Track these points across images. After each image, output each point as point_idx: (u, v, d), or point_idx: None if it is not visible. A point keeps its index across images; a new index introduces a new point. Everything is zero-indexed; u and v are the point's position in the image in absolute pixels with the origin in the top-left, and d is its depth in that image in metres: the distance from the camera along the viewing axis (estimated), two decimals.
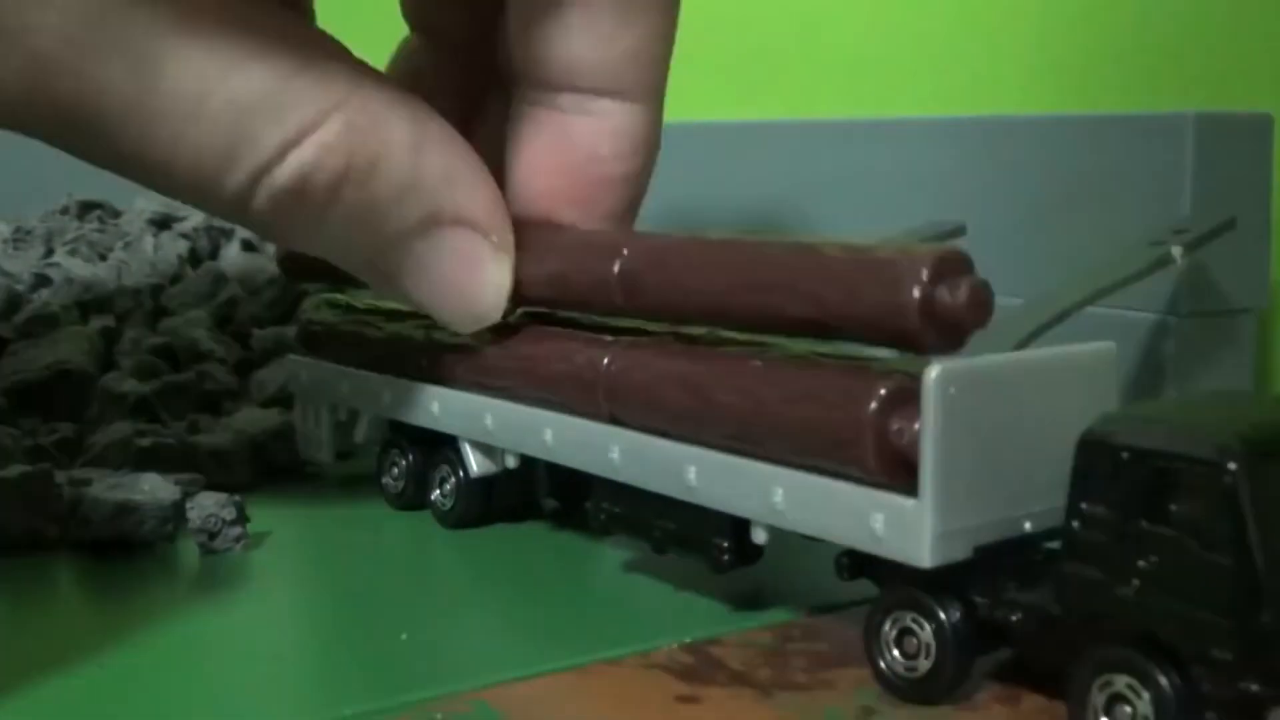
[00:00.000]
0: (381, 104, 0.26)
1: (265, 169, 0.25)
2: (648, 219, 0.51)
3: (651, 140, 0.29)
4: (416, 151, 0.27)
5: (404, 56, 0.34)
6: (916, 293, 0.23)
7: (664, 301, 0.27)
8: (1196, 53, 0.44)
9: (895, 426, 0.23)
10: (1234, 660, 0.20)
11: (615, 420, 0.28)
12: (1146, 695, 0.20)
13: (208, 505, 0.32)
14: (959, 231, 0.39)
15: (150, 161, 0.25)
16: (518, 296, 0.30)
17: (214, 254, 0.50)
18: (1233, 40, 0.43)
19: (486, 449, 0.32)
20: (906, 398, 0.23)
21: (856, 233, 0.41)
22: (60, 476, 0.33)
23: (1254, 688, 0.19)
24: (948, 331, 0.23)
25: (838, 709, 0.24)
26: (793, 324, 0.25)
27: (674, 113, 0.56)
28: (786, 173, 0.46)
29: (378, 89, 0.27)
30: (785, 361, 0.25)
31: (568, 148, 0.29)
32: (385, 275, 0.28)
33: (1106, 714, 0.21)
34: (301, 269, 0.36)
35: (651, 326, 0.29)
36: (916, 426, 0.23)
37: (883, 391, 0.23)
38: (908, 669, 0.24)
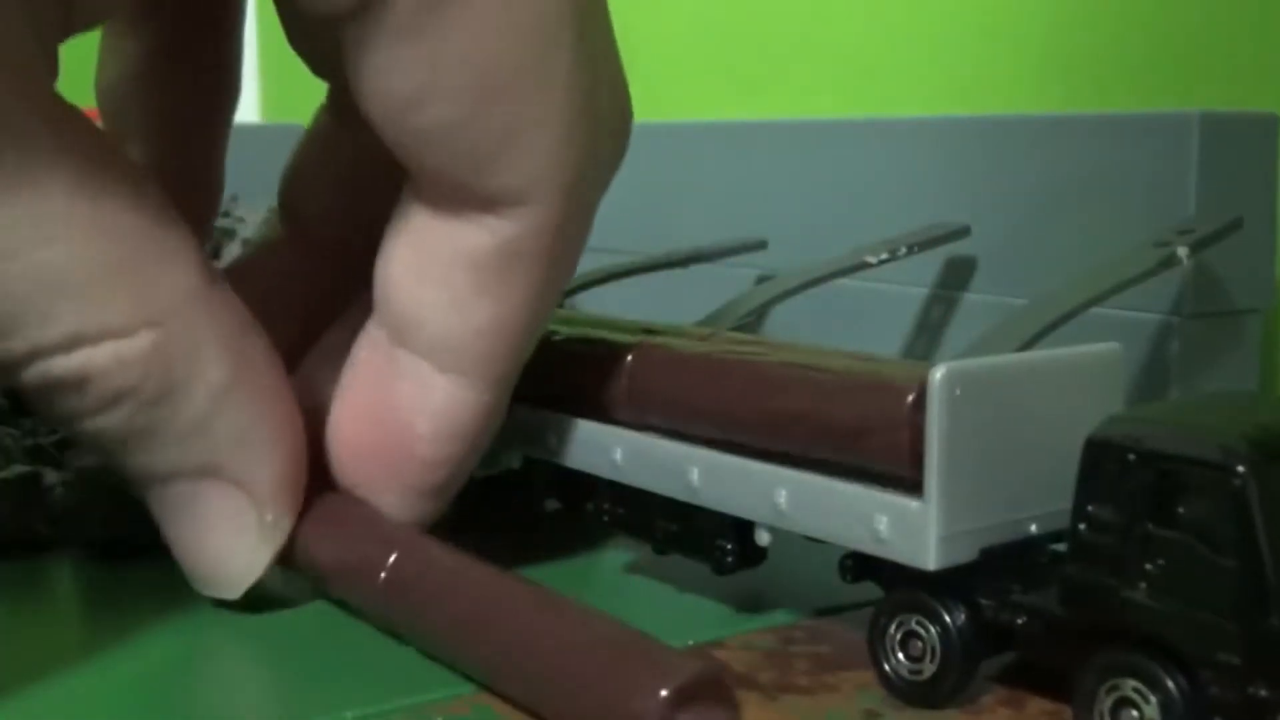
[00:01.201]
0: (210, 333, 0.24)
1: (44, 353, 0.23)
2: (650, 218, 0.51)
3: (479, 430, 0.26)
4: (221, 399, 0.24)
5: (265, 246, 0.31)
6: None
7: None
8: (1202, 52, 0.44)
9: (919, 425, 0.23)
10: (1242, 664, 0.19)
11: (640, 423, 0.28)
12: (1154, 699, 0.20)
13: None
14: (962, 233, 0.39)
15: None
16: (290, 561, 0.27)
17: (216, 254, 0.50)
18: (1238, 39, 0.43)
19: (489, 450, 0.32)
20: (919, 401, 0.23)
21: (861, 235, 0.41)
22: (53, 476, 0.33)
23: (1262, 692, 0.19)
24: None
25: (840, 712, 0.24)
26: None
27: (674, 113, 0.56)
28: (787, 173, 0.46)
29: (216, 313, 0.24)
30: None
31: (385, 406, 0.26)
32: (143, 495, 0.26)
33: (1113, 718, 0.21)
34: None
35: None
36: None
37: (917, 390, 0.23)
38: (912, 672, 0.24)
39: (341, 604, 0.28)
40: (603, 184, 0.26)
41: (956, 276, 0.40)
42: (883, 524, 0.23)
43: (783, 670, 0.25)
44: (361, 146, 0.27)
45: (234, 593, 0.26)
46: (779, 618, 0.28)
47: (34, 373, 0.23)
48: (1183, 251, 0.32)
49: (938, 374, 0.22)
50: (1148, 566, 0.21)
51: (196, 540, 0.26)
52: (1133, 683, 0.20)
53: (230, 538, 0.26)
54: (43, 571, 0.31)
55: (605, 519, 0.30)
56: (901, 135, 0.43)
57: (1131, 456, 0.21)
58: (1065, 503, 0.22)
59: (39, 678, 0.25)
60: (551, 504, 0.35)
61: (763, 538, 0.26)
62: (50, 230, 0.22)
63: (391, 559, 0.25)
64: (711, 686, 0.20)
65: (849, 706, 0.24)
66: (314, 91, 0.31)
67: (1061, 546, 0.23)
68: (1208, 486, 0.20)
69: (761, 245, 0.45)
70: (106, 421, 0.24)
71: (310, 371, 0.29)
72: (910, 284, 0.41)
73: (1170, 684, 0.20)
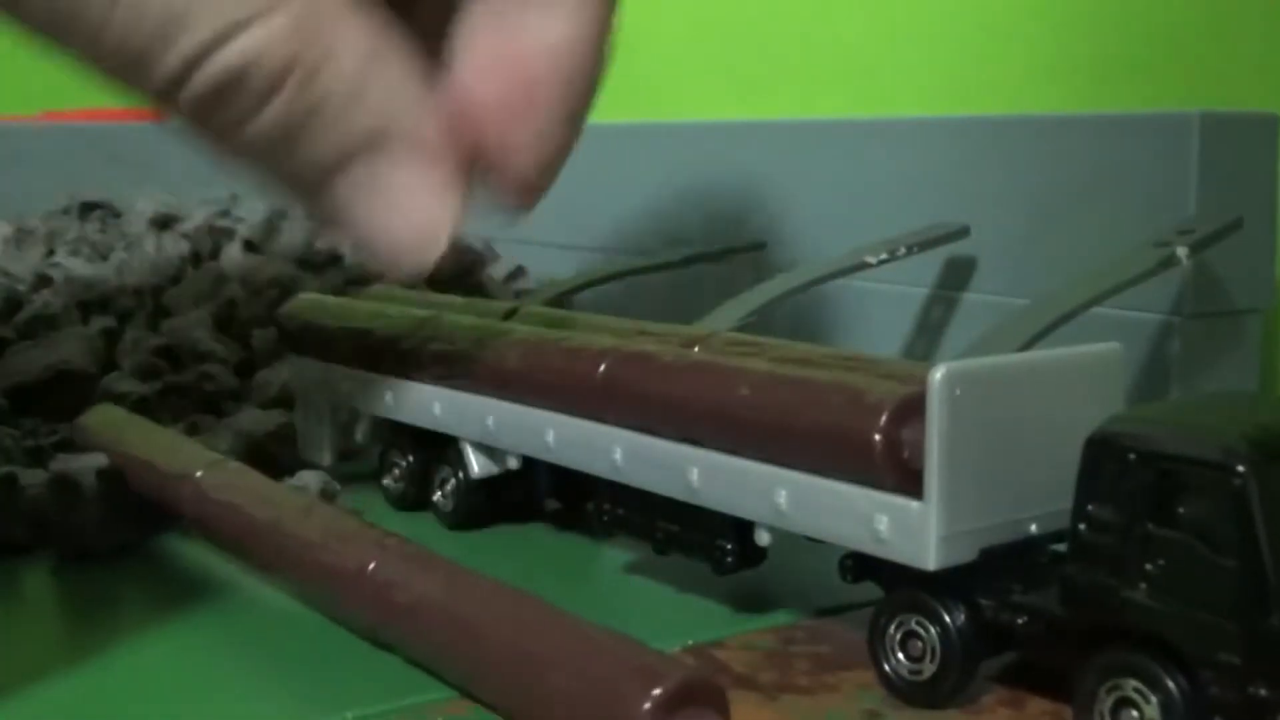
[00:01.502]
0: (337, 3, 0.25)
1: (201, 54, 0.23)
2: (654, 218, 0.51)
3: (606, 39, 0.27)
4: (369, 60, 0.25)
5: None
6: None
7: None
8: (1202, 52, 0.44)
9: (904, 437, 0.23)
10: (1242, 664, 0.19)
11: (616, 422, 0.28)
12: (1154, 699, 0.20)
13: (312, 481, 0.33)
14: (962, 234, 0.39)
15: (81, 28, 0.23)
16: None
17: (215, 254, 0.50)
18: (1238, 40, 0.43)
19: (488, 450, 0.32)
20: (913, 407, 0.23)
21: (860, 235, 0.41)
22: (30, 477, 0.33)
23: (1262, 692, 0.19)
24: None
25: (841, 712, 0.23)
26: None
27: (675, 113, 0.56)
28: (788, 173, 0.46)
29: None
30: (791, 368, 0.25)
31: (519, 39, 0.26)
32: (318, 197, 0.26)
33: (1113, 718, 0.21)
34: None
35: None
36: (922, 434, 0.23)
37: (892, 403, 0.23)
38: (912, 672, 0.24)
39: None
40: None
41: (956, 276, 0.40)
42: (883, 524, 0.23)
43: (783, 670, 0.25)
44: None
45: (434, 255, 0.27)
46: (779, 618, 0.28)
47: (194, 85, 0.24)
48: (1182, 252, 0.32)
49: (938, 374, 0.22)
50: (1148, 566, 0.21)
51: (385, 213, 0.26)
52: (1133, 683, 0.20)
53: (417, 198, 0.26)
54: (19, 575, 0.31)
55: (605, 519, 0.30)
56: (901, 135, 0.43)
57: (1132, 456, 0.21)
58: (1066, 503, 0.22)
59: (37, 680, 0.25)
60: (552, 504, 0.35)
61: (763, 538, 0.26)
62: None
63: (372, 565, 0.25)
64: (702, 690, 0.20)
65: (849, 707, 0.24)
66: None
67: (1062, 546, 0.23)
68: (1208, 486, 0.20)
69: (761, 246, 0.45)
70: (272, 114, 0.24)
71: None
72: (910, 284, 0.41)
73: (1170, 684, 0.20)
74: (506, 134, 0.27)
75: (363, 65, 0.25)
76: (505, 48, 0.27)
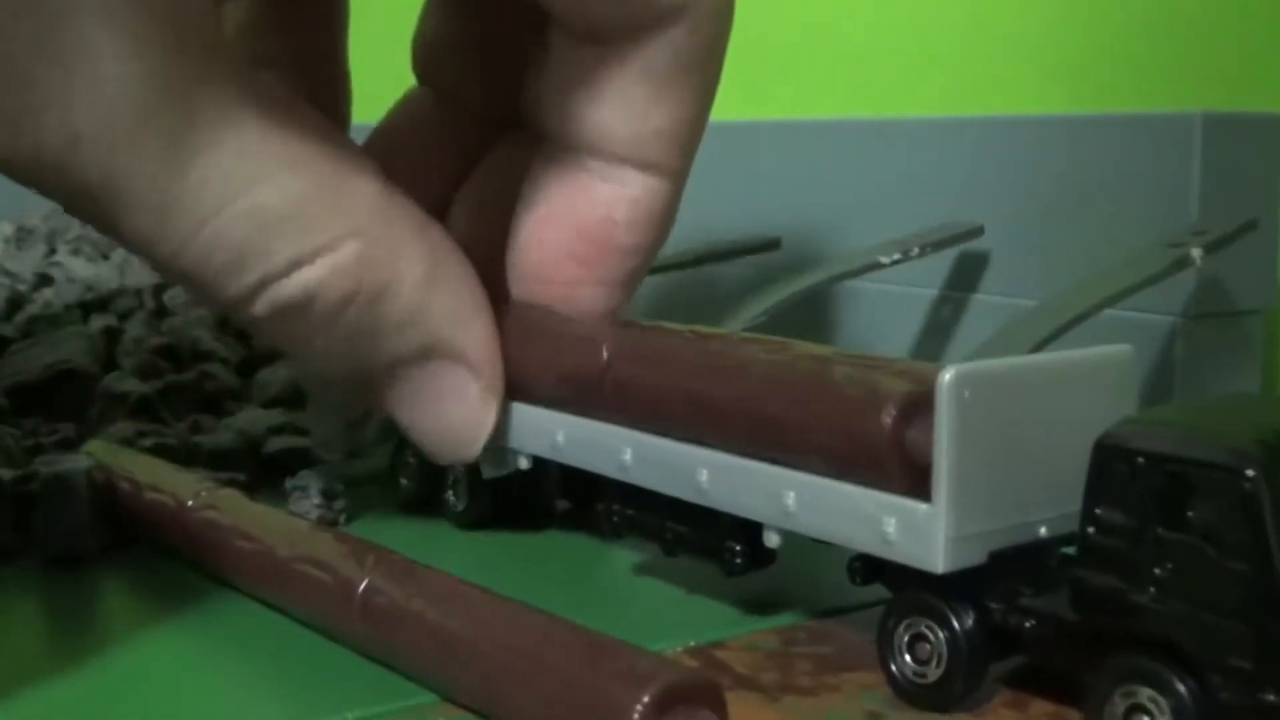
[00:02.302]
0: (401, 234, 0.27)
1: (272, 280, 0.25)
2: None
3: (666, 218, 0.30)
4: (427, 288, 0.27)
5: (408, 104, 0.34)
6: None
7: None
8: (1206, 53, 0.44)
9: (912, 437, 0.23)
10: (1253, 669, 0.19)
11: (621, 419, 0.28)
12: (1165, 704, 0.20)
13: (312, 482, 0.33)
14: (975, 233, 0.39)
15: (159, 251, 0.25)
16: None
17: None
18: (1241, 40, 0.43)
19: (498, 450, 0.32)
20: (922, 407, 0.23)
21: (868, 235, 0.41)
22: (7, 474, 0.32)
23: (1272, 697, 0.19)
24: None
25: (842, 713, 0.23)
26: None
27: None
28: (793, 173, 0.46)
29: (400, 216, 0.27)
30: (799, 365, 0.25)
31: (584, 205, 0.29)
32: (373, 393, 0.29)
33: None
34: None
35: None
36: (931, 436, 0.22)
37: (897, 404, 0.23)
38: (919, 675, 0.24)
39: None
40: (733, 6, 0.29)
41: (964, 277, 0.40)
42: (891, 526, 0.23)
43: (785, 671, 0.25)
44: (493, 8, 0.31)
45: (471, 454, 0.29)
46: (782, 619, 0.28)
47: (264, 302, 0.26)
48: (1196, 253, 0.31)
49: (946, 376, 0.22)
50: (1157, 570, 0.21)
51: (430, 415, 0.29)
52: (1148, 690, 0.20)
53: (459, 405, 0.29)
54: (3, 579, 0.30)
55: (614, 520, 0.29)
56: (907, 135, 0.43)
57: (1141, 460, 0.21)
58: (1076, 505, 0.22)
59: (34, 682, 0.25)
60: (562, 504, 0.34)
61: (771, 540, 0.26)
62: (255, 171, 0.25)
63: (363, 585, 0.25)
64: (693, 690, 0.20)
65: (851, 707, 0.24)
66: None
67: (1072, 550, 0.23)
68: (1218, 490, 0.20)
69: (775, 245, 0.45)
70: (334, 331, 0.27)
71: (458, 218, 0.32)
72: (919, 285, 0.41)
73: (1181, 689, 0.20)
74: (575, 283, 0.29)
75: (421, 291, 0.27)
76: (582, 208, 0.29)
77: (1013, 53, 0.49)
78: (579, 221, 0.29)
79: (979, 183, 0.40)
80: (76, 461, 0.32)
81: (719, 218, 0.48)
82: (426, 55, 0.33)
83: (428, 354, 0.28)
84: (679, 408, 0.27)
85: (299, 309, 0.26)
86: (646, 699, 0.20)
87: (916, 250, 0.38)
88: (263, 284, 0.25)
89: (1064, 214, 0.38)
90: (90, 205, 0.24)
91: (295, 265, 0.25)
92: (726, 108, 0.58)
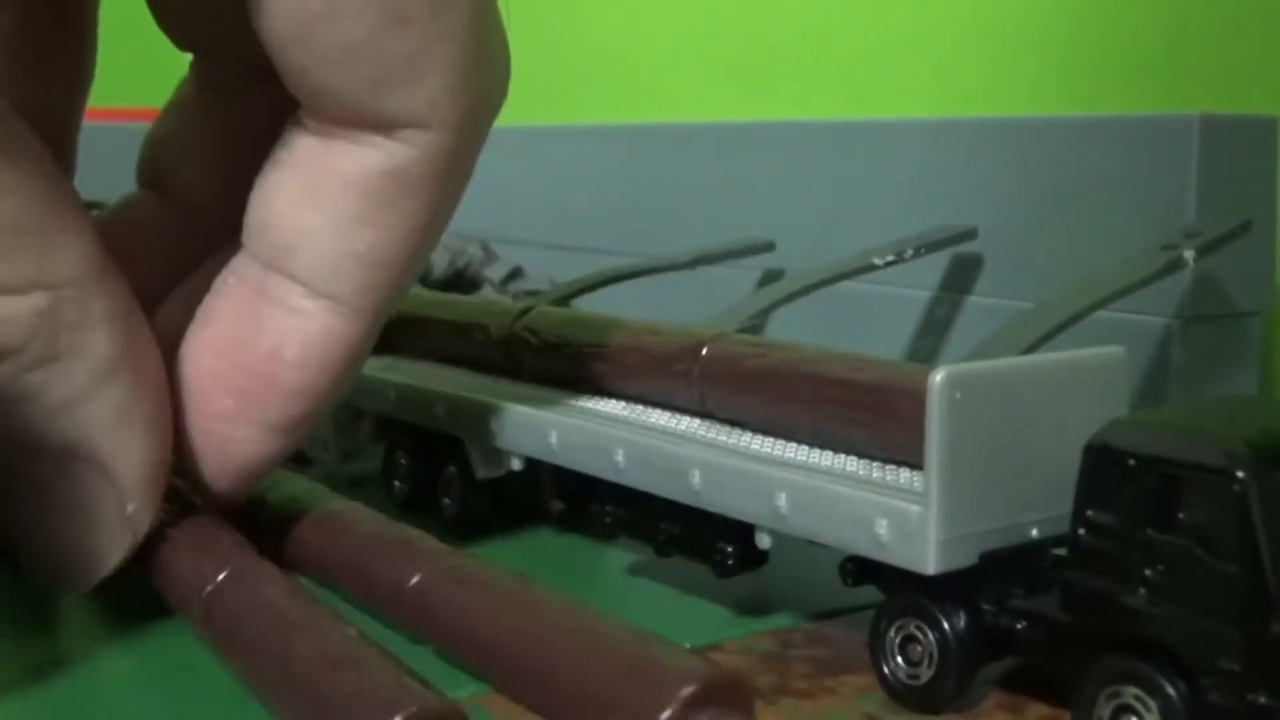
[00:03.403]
0: (97, 306, 0.24)
1: None
2: (656, 218, 0.51)
3: (348, 362, 0.26)
4: (102, 377, 0.24)
5: (127, 206, 0.31)
6: None
7: None
8: (1203, 55, 0.44)
9: None
10: (1243, 671, 0.19)
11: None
12: (1154, 705, 0.20)
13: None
14: (970, 235, 0.39)
15: None
16: None
17: None
18: (1238, 42, 0.43)
19: (492, 451, 0.32)
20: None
21: (863, 236, 0.41)
22: None
23: (1262, 699, 0.19)
24: None
25: (839, 716, 0.23)
26: None
27: (677, 114, 0.56)
28: (788, 174, 0.46)
29: (105, 286, 0.24)
30: None
31: (251, 333, 0.25)
32: (2, 474, 0.25)
33: None
34: None
35: None
36: None
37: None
38: (911, 676, 0.24)
39: (342, 607, 0.28)
40: (490, 120, 0.25)
41: (958, 279, 0.40)
42: (883, 528, 0.23)
43: (781, 674, 0.25)
44: (232, 114, 0.28)
45: (84, 586, 0.26)
46: (779, 621, 0.28)
47: None
48: (1190, 255, 0.31)
49: (938, 377, 0.22)
50: (1148, 572, 0.21)
51: (54, 527, 0.25)
52: (1133, 689, 0.20)
53: (91, 526, 0.25)
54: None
55: (607, 521, 0.30)
56: (902, 137, 0.43)
57: (1132, 461, 0.21)
58: (1068, 507, 0.22)
59: (34, 685, 0.25)
60: (557, 506, 0.34)
61: (763, 541, 0.26)
62: None
63: (418, 576, 0.25)
64: (730, 691, 0.20)
65: (848, 710, 0.24)
66: None
67: (1063, 551, 0.23)
68: (1209, 491, 0.20)
69: (769, 247, 0.45)
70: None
71: (164, 321, 0.28)
72: (915, 286, 0.41)
73: (1170, 690, 0.20)
74: (232, 421, 0.26)
75: (94, 381, 0.24)
76: (248, 336, 0.25)
77: (1009, 54, 0.49)
78: (242, 350, 0.25)
79: (975, 185, 0.40)
80: None
81: (713, 219, 0.48)
82: (156, 155, 0.30)
83: (74, 454, 0.24)
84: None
85: None
86: (684, 694, 0.20)
87: (911, 252, 0.38)
88: None
89: (1061, 216, 0.38)
90: None
91: None
92: (719, 108, 0.59)
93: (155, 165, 0.30)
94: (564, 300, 0.40)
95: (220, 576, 0.25)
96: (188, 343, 0.26)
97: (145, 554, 0.26)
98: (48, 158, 0.24)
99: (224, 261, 0.27)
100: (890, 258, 0.38)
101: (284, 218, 0.25)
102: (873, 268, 0.38)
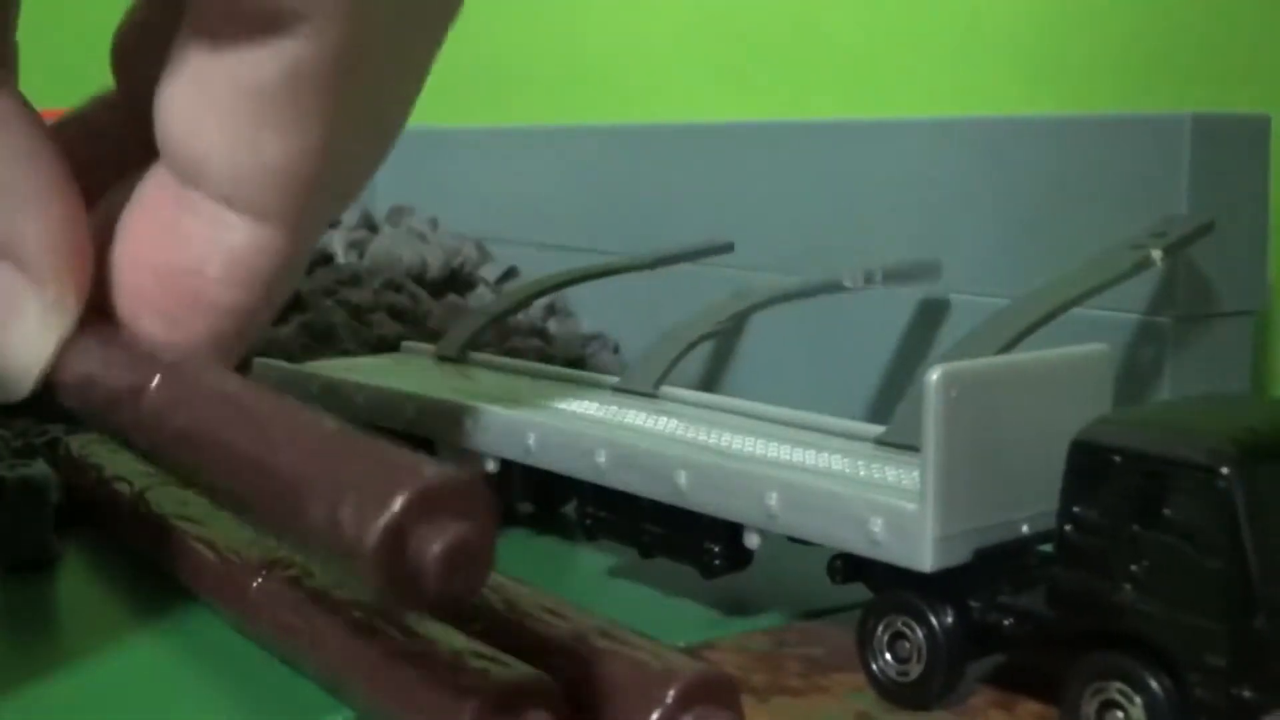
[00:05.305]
0: None
1: None
2: (651, 219, 0.51)
3: (278, 276, 0.24)
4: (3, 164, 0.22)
5: (86, 104, 0.29)
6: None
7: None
8: (1194, 54, 0.44)
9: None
10: (1228, 666, 0.19)
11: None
12: (1139, 701, 0.20)
13: None
14: (935, 268, 0.39)
15: None
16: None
17: None
18: (1230, 41, 0.43)
19: (463, 453, 0.32)
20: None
21: (850, 237, 0.41)
22: None
23: (1247, 694, 0.19)
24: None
25: (832, 714, 0.24)
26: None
27: (672, 113, 0.56)
28: (782, 174, 0.46)
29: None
30: None
31: (176, 249, 0.24)
32: None
33: None
34: None
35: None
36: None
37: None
38: (899, 673, 0.24)
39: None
40: (389, 13, 0.23)
41: (952, 278, 0.40)
42: (878, 526, 0.23)
43: (775, 672, 0.25)
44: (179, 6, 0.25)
45: (18, 389, 0.24)
46: (770, 619, 0.28)
47: None
48: (1156, 254, 0.32)
49: (934, 375, 0.22)
50: (1133, 568, 0.21)
51: None
52: (1117, 685, 0.21)
53: (9, 325, 0.23)
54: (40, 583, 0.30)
55: (588, 523, 0.29)
56: (894, 136, 0.43)
57: (1117, 458, 0.21)
58: (1055, 503, 0.22)
59: (35, 685, 0.25)
60: (525, 507, 0.34)
61: (751, 540, 0.26)
62: None
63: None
64: (716, 689, 0.20)
65: (841, 708, 0.24)
66: None
67: (1050, 547, 0.23)
68: (1193, 488, 0.20)
69: (729, 248, 0.45)
70: None
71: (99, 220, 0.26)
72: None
73: (1155, 685, 0.20)
74: (157, 339, 0.24)
75: None
76: (171, 252, 0.24)
77: (1001, 55, 0.49)
78: (165, 266, 0.24)
79: (967, 184, 0.40)
80: (44, 465, 0.32)
81: (713, 218, 0.48)
82: (120, 41, 0.28)
83: None
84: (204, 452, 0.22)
85: None
86: (672, 693, 0.20)
87: (880, 278, 0.38)
88: None
89: (1052, 215, 0.38)
90: None
91: None
92: (709, 108, 0.59)
93: (119, 53, 0.28)
94: (525, 302, 0.40)
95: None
96: (112, 254, 0.24)
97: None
98: None
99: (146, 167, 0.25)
100: (860, 283, 0.38)
101: (187, 129, 0.23)
102: (841, 288, 0.38)
